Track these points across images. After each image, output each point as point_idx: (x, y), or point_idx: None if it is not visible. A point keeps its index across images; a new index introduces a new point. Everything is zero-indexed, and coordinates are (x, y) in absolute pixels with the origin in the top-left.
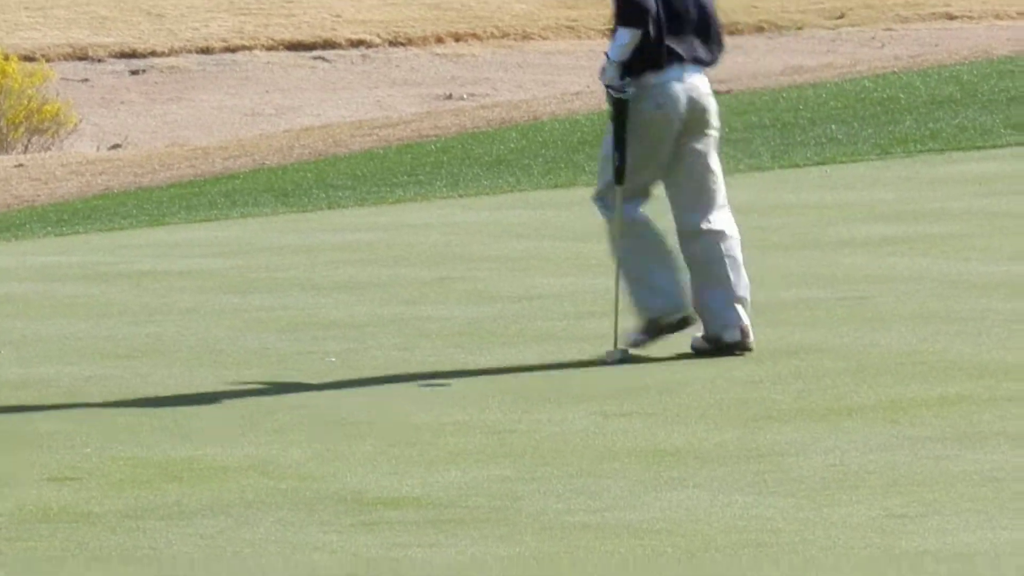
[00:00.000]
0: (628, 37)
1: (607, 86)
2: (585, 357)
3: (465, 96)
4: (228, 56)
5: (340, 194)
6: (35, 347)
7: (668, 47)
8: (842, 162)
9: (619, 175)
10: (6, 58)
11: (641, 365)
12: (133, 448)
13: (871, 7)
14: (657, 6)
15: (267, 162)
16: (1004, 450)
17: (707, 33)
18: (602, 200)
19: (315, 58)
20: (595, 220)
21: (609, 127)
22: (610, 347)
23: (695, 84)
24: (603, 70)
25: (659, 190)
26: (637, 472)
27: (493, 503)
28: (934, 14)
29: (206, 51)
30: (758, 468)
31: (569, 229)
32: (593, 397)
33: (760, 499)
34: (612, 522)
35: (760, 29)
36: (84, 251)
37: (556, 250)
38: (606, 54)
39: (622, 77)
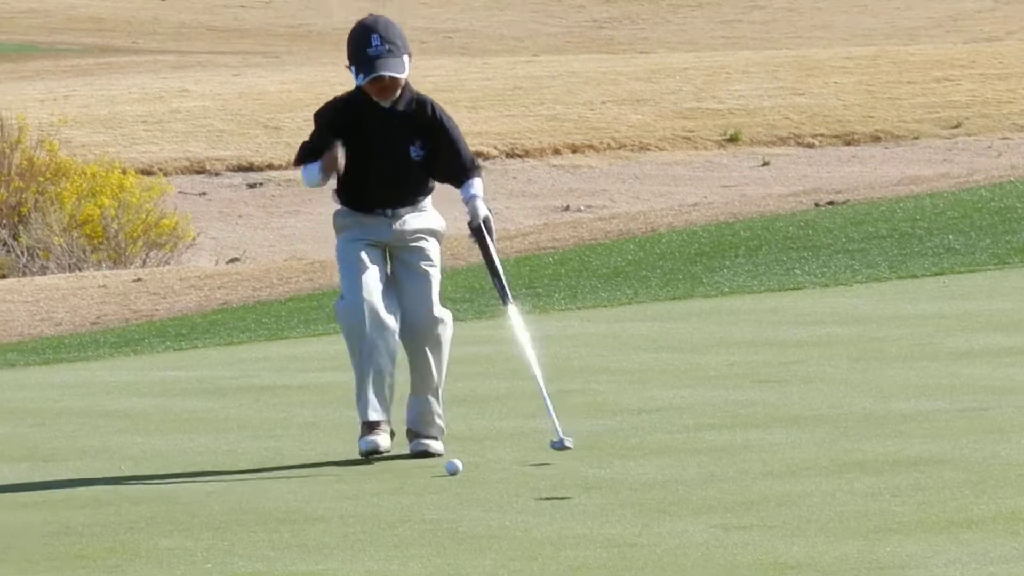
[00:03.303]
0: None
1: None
2: (705, 470)
3: (582, 208)
4: None
5: (458, 307)
6: (155, 462)
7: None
8: (960, 272)
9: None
10: (124, 172)
11: (760, 477)
12: (254, 563)
13: (987, 116)
14: None
15: None
16: None
17: None
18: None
19: None
20: (714, 332)
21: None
22: (555, 438)
23: None
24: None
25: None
26: None
27: None
28: None
29: None
30: None
31: (687, 341)
32: (713, 509)
33: None
34: None
35: (876, 139)
36: (203, 365)
37: (674, 362)
38: (474, 196)
39: None
